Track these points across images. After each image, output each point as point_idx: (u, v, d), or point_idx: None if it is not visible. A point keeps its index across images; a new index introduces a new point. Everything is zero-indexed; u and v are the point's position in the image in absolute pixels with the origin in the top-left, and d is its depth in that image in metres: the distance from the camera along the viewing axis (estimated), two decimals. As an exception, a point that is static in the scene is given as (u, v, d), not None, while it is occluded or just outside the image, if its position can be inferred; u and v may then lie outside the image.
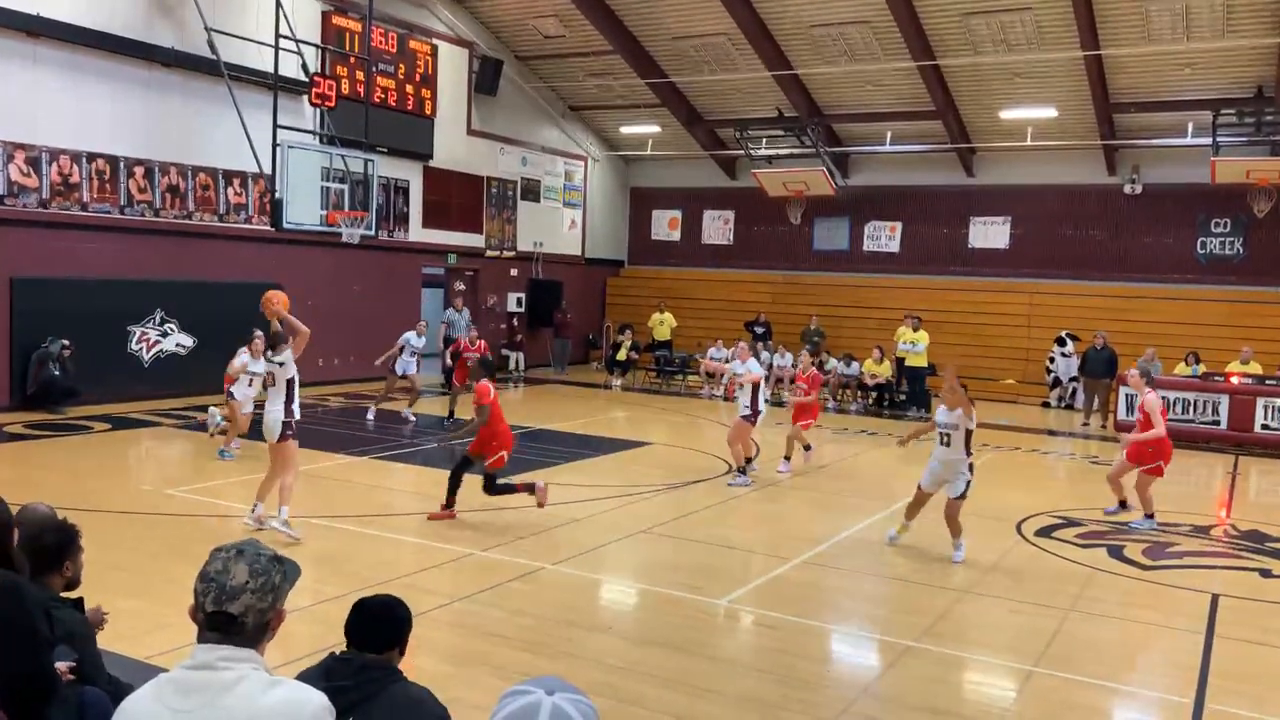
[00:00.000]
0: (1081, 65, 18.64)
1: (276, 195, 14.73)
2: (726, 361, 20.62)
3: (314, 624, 5.92)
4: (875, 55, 20.09)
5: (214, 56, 15.38)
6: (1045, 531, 9.74)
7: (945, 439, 8.48)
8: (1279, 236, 20.24)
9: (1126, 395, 16.57)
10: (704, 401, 19.85)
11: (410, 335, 15.28)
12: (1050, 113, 20.49)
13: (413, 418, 14.92)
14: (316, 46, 17.58)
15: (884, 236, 24.05)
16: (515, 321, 23.72)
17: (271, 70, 15.06)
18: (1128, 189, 21.51)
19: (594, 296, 26.31)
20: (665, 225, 26.95)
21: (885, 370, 19.37)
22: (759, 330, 22.25)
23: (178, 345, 16.31)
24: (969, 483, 8.47)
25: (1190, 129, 19.53)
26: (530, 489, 9.12)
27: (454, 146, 21.53)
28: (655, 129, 24.92)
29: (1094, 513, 10.64)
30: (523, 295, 23.95)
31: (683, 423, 16.98)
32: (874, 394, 19.47)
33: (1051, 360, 20.60)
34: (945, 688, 5.97)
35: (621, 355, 21.82)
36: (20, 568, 3.52)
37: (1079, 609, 7.40)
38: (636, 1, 20.14)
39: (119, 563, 7.15)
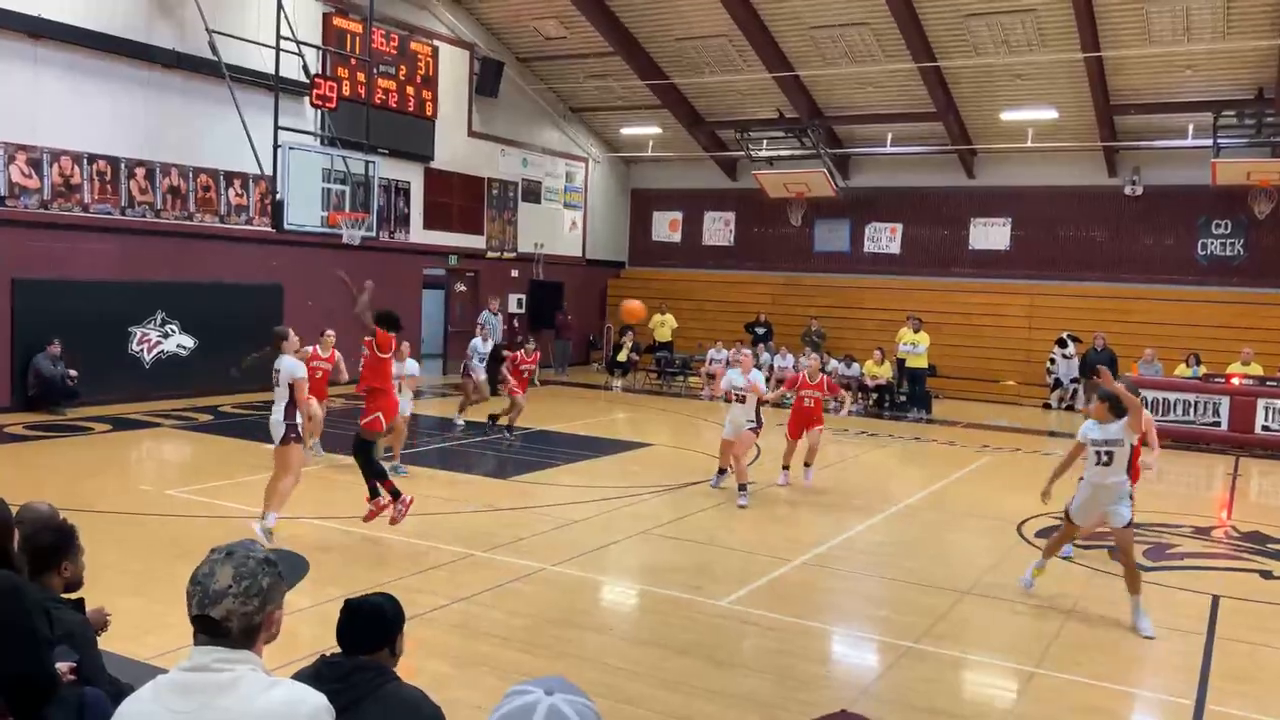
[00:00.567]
0: (1082, 67, 18.64)
1: (277, 196, 14.73)
2: (725, 364, 20.70)
3: (314, 625, 5.92)
4: (876, 57, 20.09)
5: (215, 58, 15.38)
6: (1046, 533, 9.71)
7: (1105, 458, 7.16)
8: (1280, 238, 20.26)
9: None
10: (704, 403, 19.84)
11: (476, 342, 15.57)
12: (1051, 114, 20.49)
13: (461, 422, 14.72)
14: (317, 48, 17.58)
15: (885, 238, 24.06)
16: (516, 323, 23.73)
17: (272, 71, 15.07)
18: (1128, 190, 21.51)
19: (595, 298, 26.32)
20: (666, 226, 26.95)
21: (886, 372, 19.38)
22: (760, 331, 22.25)
23: (179, 346, 16.31)
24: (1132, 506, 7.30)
25: (1191, 130, 19.53)
26: (395, 495, 8.34)
27: (455, 148, 21.54)
28: (656, 130, 24.93)
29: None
30: (523, 296, 23.96)
31: (683, 424, 16.98)
32: (875, 395, 19.49)
33: (1052, 361, 20.59)
34: (945, 689, 5.97)
35: (622, 356, 21.84)
36: (21, 568, 3.52)
37: (1080, 610, 7.40)
38: (637, 3, 20.15)
39: (119, 563, 7.15)
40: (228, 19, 15.96)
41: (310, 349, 11.66)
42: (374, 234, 16.58)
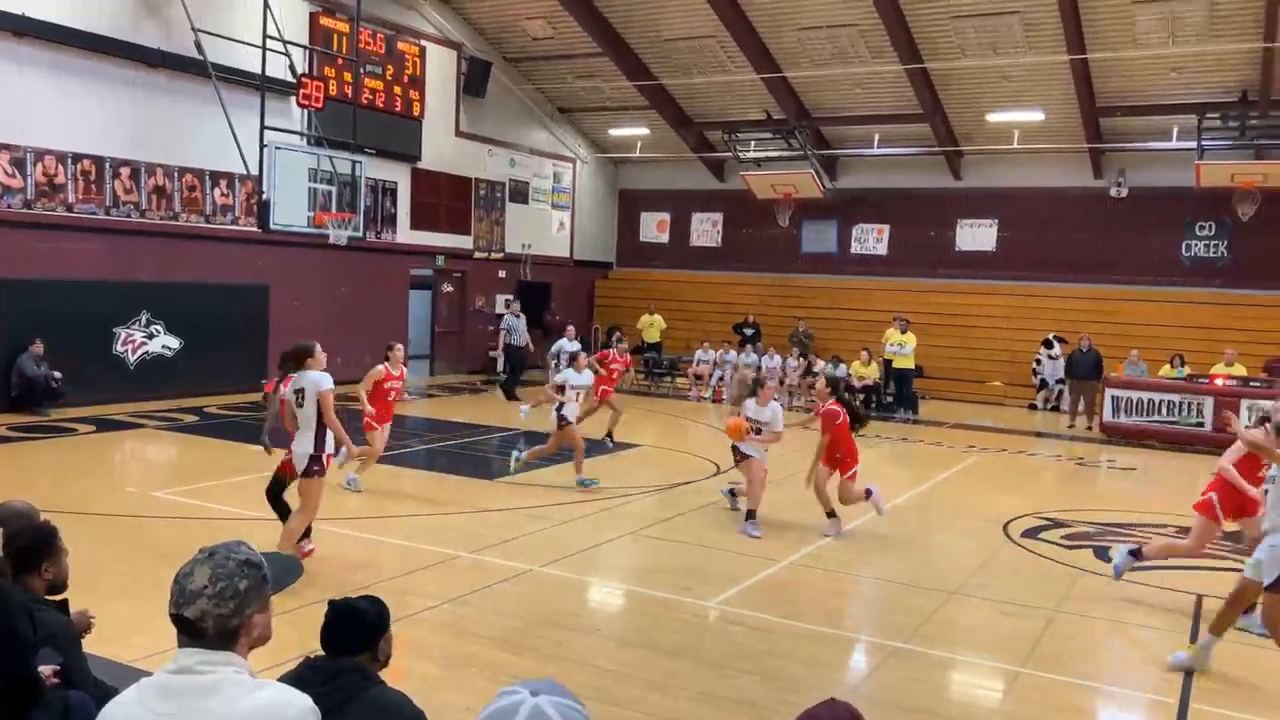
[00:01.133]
0: (1068, 69, 18.73)
1: (264, 196, 14.66)
2: (716, 365, 20.73)
3: (300, 627, 5.88)
4: (863, 58, 20.15)
5: (201, 57, 15.31)
6: (1032, 533, 9.78)
7: None
8: (1263, 240, 20.37)
9: (1113, 398, 16.68)
10: (692, 404, 19.88)
11: (564, 342, 16.40)
12: (1037, 116, 20.59)
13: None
14: (304, 47, 17.52)
15: (872, 239, 24.12)
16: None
17: (259, 71, 15.00)
18: (1113, 192, 21.63)
19: (582, 298, 26.30)
20: (654, 227, 26.96)
21: (873, 372, 19.42)
22: (748, 333, 22.27)
23: (164, 347, 16.21)
24: None
25: (1175, 133, 19.66)
26: (307, 534, 7.63)
27: (442, 148, 21.49)
28: (644, 131, 24.94)
29: (1080, 514, 10.69)
30: (511, 297, 23.89)
31: (671, 424, 16.98)
32: (861, 396, 19.51)
33: (1038, 362, 20.69)
34: (932, 689, 5.99)
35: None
36: (4, 571, 3.49)
37: (1065, 610, 7.43)
38: (624, 3, 20.15)
39: (104, 565, 7.10)
40: (214, 18, 15.89)
41: (381, 367, 10.47)
42: (361, 234, 16.53)
